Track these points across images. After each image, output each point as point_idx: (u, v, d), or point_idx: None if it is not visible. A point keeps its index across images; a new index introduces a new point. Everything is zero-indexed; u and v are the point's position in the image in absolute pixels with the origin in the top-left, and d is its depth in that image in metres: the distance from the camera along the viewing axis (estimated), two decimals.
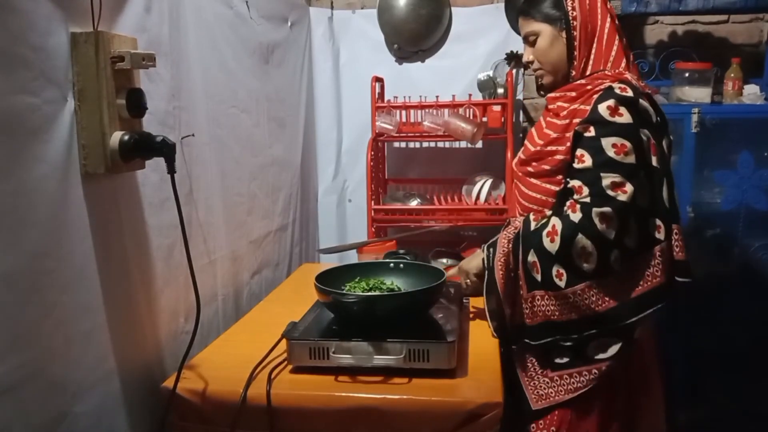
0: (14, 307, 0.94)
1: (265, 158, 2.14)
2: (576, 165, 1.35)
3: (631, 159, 1.30)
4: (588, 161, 1.32)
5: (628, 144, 1.30)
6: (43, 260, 1.00)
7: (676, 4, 2.33)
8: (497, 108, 2.46)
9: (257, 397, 1.24)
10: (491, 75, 2.59)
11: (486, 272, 1.45)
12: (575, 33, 1.41)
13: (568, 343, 1.38)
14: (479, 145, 2.57)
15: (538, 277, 1.36)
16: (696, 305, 2.18)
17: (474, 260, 1.54)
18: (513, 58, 2.53)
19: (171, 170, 1.17)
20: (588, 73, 1.42)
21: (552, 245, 1.33)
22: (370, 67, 2.69)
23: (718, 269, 2.22)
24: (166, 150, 1.16)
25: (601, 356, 1.37)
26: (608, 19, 1.42)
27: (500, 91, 2.54)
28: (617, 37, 1.42)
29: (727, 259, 2.21)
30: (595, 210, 1.29)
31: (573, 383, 1.38)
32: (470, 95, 2.56)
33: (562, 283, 1.33)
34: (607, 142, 1.31)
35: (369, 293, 1.49)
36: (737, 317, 2.19)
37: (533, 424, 1.43)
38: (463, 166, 2.75)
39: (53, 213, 1.02)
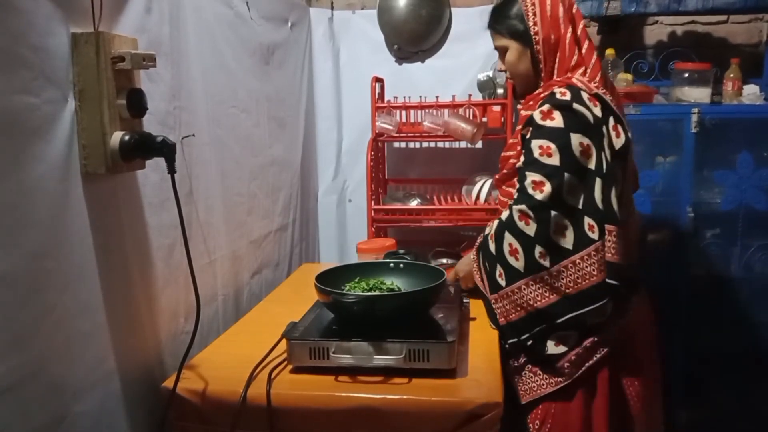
0: (14, 307, 0.94)
1: (265, 158, 2.14)
2: (517, 166, 1.46)
3: (554, 160, 1.37)
4: (521, 161, 1.43)
5: (552, 146, 1.37)
6: (43, 260, 1.00)
7: (675, 4, 2.33)
8: (497, 108, 2.46)
9: (257, 397, 1.24)
10: (491, 75, 2.59)
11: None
12: (538, 47, 1.47)
13: (529, 342, 1.43)
14: (479, 145, 2.57)
15: (494, 279, 1.46)
16: (696, 305, 2.18)
17: (466, 265, 1.65)
18: None
19: (171, 170, 1.17)
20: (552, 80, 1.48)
21: (492, 245, 1.44)
22: (370, 67, 2.69)
23: (718, 269, 2.22)
24: (166, 150, 1.16)
25: (562, 349, 1.43)
26: (570, 29, 1.46)
27: (500, 91, 2.54)
28: (577, 46, 1.46)
29: (727, 259, 2.21)
30: (514, 207, 1.39)
31: (553, 376, 1.44)
32: (470, 95, 2.56)
33: (503, 282, 1.43)
34: (535, 144, 1.39)
35: (369, 293, 1.49)
36: (737, 317, 2.19)
37: (522, 419, 1.48)
38: (463, 166, 2.75)
39: (53, 213, 1.02)
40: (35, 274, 0.98)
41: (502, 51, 1.55)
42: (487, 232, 1.50)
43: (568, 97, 1.39)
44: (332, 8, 2.79)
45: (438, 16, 2.69)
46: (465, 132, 2.39)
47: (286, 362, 1.35)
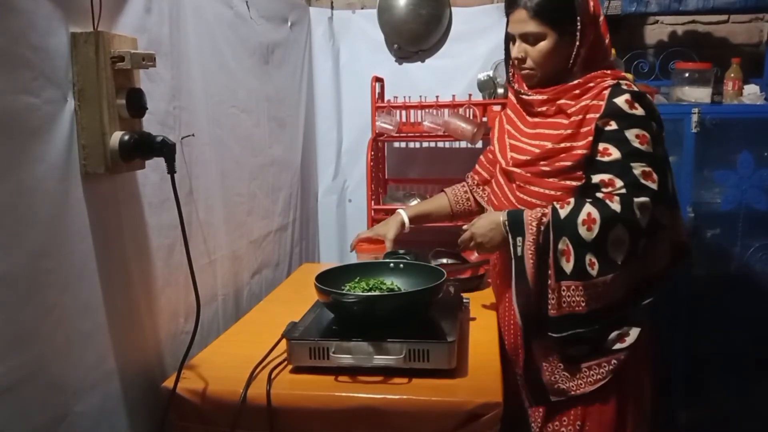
0: (14, 307, 0.94)
1: (265, 158, 2.14)
2: (602, 159, 1.36)
3: (650, 149, 1.36)
4: (615, 153, 1.35)
5: (647, 135, 1.36)
6: (43, 260, 1.00)
7: (676, 4, 2.33)
8: (497, 108, 2.46)
9: (257, 397, 1.24)
10: (491, 75, 2.59)
11: (514, 261, 1.39)
12: (584, 41, 1.40)
13: (590, 336, 1.38)
14: (479, 145, 2.57)
15: (568, 267, 1.34)
16: (696, 305, 2.18)
17: (494, 236, 1.43)
18: None
19: (171, 170, 1.17)
20: (581, 74, 1.42)
21: (588, 233, 1.32)
22: (370, 67, 2.69)
23: (718, 269, 2.22)
24: (166, 150, 1.16)
25: (619, 346, 1.40)
26: (607, 30, 1.45)
27: (500, 91, 2.54)
28: (611, 45, 1.47)
29: (727, 259, 2.21)
30: (635, 201, 1.32)
31: (592, 375, 1.41)
32: (470, 95, 2.56)
33: (594, 272, 1.33)
34: (630, 134, 1.35)
35: (369, 293, 1.49)
36: (737, 317, 2.19)
37: (556, 420, 1.45)
38: (463, 166, 2.73)
39: (53, 213, 1.02)
40: (35, 274, 0.98)
41: (534, 37, 1.41)
42: (565, 214, 1.34)
43: (636, 88, 1.39)
44: (332, 8, 2.79)
45: (438, 16, 2.68)
46: (465, 132, 2.39)
47: (286, 362, 1.35)
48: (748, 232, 2.17)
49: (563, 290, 1.36)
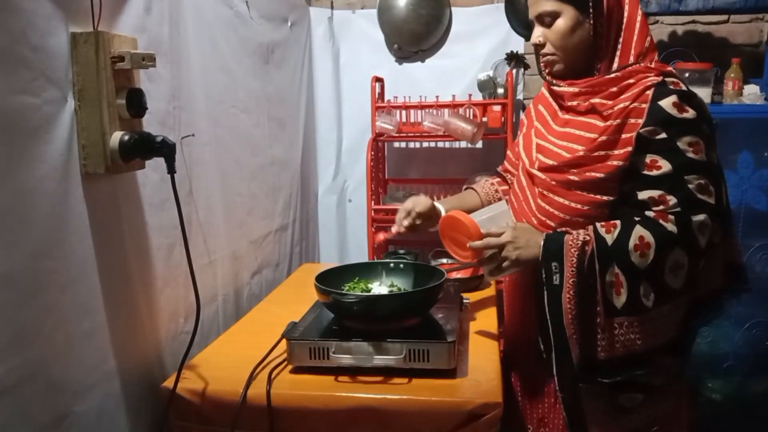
0: (14, 307, 0.94)
1: (265, 158, 2.14)
2: (649, 173, 1.19)
3: (704, 157, 1.19)
4: (666, 166, 1.18)
5: (701, 141, 1.19)
6: (43, 260, 1.00)
7: (676, 4, 2.33)
8: (497, 108, 2.46)
9: (257, 397, 1.24)
10: (491, 75, 2.59)
11: (546, 291, 1.21)
12: (603, 19, 1.24)
13: (644, 380, 1.23)
14: (479, 145, 2.58)
15: (620, 300, 1.18)
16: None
17: (530, 247, 1.24)
18: (513, 58, 2.53)
19: (171, 170, 1.17)
20: (615, 67, 1.25)
21: (642, 261, 1.16)
22: (370, 67, 2.70)
23: None
24: (166, 150, 1.16)
25: (661, 382, 1.26)
26: (639, 8, 1.26)
27: (500, 91, 2.55)
28: (648, 28, 1.27)
29: None
30: (693, 220, 1.17)
31: (642, 420, 1.27)
32: (470, 95, 2.56)
33: (649, 304, 1.17)
34: (683, 143, 1.18)
35: (369, 293, 1.49)
36: (738, 317, 2.19)
37: None
38: (463, 166, 2.75)
39: (53, 213, 1.02)
40: (35, 274, 0.98)
41: (549, 16, 1.26)
42: (613, 240, 1.18)
43: (684, 87, 1.23)
44: (332, 8, 2.79)
45: (438, 16, 2.69)
46: (465, 132, 2.39)
47: (286, 362, 1.35)
48: (748, 232, 2.17)
49: (616, 328, 1.19)
